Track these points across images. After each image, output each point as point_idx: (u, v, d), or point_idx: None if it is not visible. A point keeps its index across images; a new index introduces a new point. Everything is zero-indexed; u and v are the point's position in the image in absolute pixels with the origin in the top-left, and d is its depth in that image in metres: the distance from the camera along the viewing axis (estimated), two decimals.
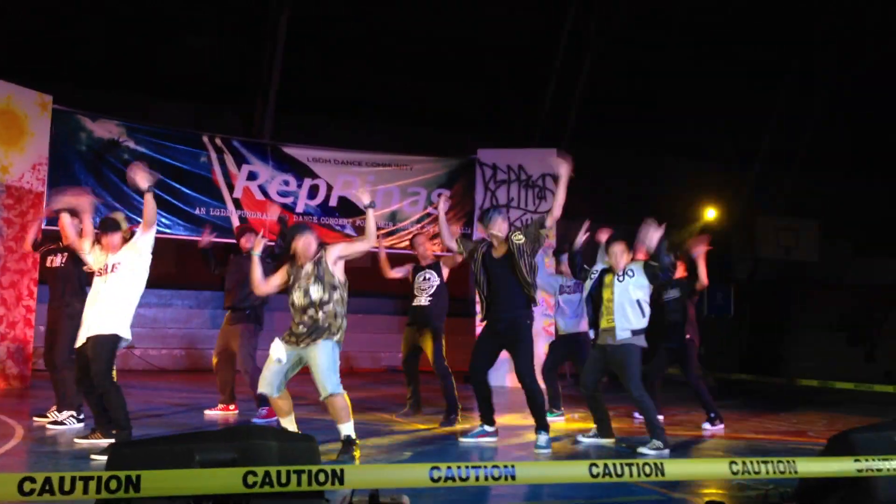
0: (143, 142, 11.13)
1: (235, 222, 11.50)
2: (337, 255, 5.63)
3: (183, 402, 8.61)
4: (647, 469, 3.56)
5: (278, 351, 5.49)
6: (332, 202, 12.22)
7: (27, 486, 2.69)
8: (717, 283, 15.35)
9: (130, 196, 10.58)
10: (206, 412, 7.56)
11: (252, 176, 11.83)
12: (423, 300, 7.79)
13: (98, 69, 12.69)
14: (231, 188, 11.67)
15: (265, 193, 11.85)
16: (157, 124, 11.57)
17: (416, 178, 12.60)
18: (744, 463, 3.70)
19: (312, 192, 12.14)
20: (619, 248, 6.34)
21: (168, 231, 10.95)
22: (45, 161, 9.92)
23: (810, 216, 16.75)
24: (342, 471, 3.18)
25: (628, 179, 16.07)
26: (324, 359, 5.46)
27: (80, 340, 5.64)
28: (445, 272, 7.92)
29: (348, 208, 12.31)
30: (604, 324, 6.27)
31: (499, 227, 6.21)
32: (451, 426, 7.25)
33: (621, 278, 6.25)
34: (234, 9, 13.29)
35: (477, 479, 3.36)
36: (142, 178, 5.48)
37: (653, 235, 6.10)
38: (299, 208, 12.04)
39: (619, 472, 3.54)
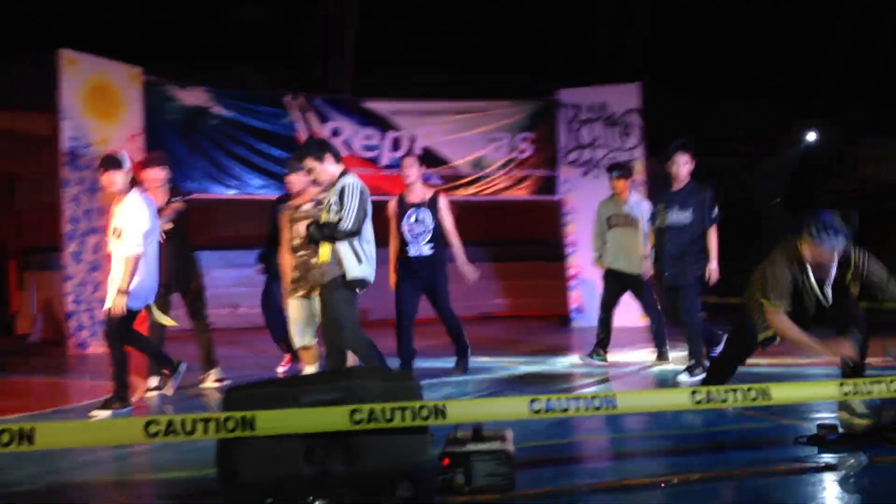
0: (230, 106, 11.38)
1: None
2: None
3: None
4: (753, 394, 3.51)
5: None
6: (416, 153, 12.27)
7: (152, 429, 2.86)
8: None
9: (221, 162, 10.91)
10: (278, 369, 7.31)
11: (336, 132, 11.98)
12: (422, 249, 6.77)
13: (179, 39, 12.96)
14: None
15: (350, 148, 12.00)
16: (242, 89, 11.81)
17: (499, 124, 12.50)
18: (854, 384, 3.61)
19: (396, 144, 12.21)
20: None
21: (262, 192, 11.21)
22: (140, 132, 10.28)
23: None
24: (444, 406, 3.27)
25: (702, 116, 15.54)
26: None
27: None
28: (447, 216, 6.86)
29: (432, 158, 12.35)
30: None
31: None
32: (465, 370, 6.92)
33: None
34: None
35: (577, 409, 3.39)
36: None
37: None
38: (384, 161, 12.15)
39: (722, 398, 3.51)
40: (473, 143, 12.49)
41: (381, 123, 12.22)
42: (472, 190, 12.01)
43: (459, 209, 8.06)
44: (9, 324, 11.32)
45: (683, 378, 6.19)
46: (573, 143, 12.18)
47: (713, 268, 6.42)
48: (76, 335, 9.43)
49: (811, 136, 15.02)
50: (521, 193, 12.42)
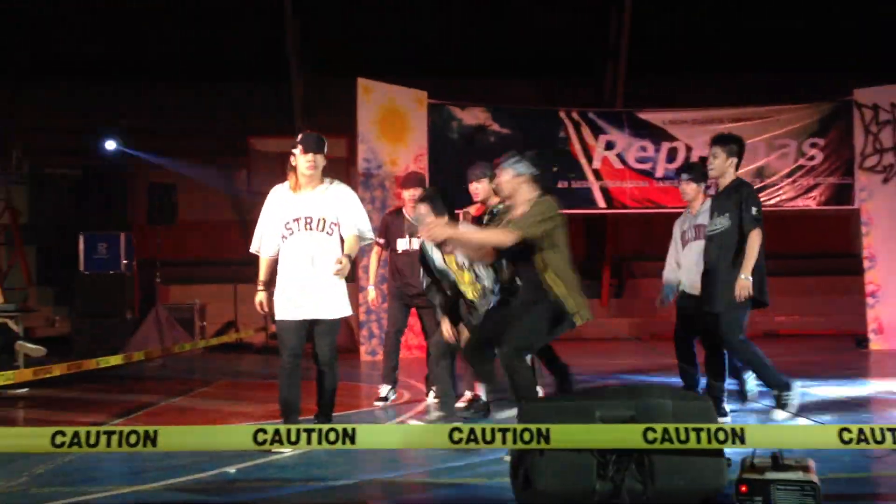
0: (506, 123, 11.78)
1: (597, 193, 11.74)
2: None
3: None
4: None
5: None
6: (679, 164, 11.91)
7: (456, 436, 3.03)
8: None
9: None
10: None
11: (609, 145, 11.94)
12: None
13: (458, 59, 13.63)
14: (590, 159, 11.89)
15: (623, 161, 11.90)
16: (517, 105, 12.18)
17: (784, 129, 11.75)
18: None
19: (671, 155, 11.90)
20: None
21: None
22: (424, 152, 10.97)
23: None
24: (742, 430, 3.14)
25: None
26: None
27: None
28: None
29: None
30: None
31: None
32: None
33: None
34: None
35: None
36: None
37: None
38: (658, 173, 11.90)
39: (879, 438, 3.08)
40: (755, 151, 11.84)
41: (656, 134, 12.00)
42: None
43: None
44: None
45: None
46: (871, 148, 11.14)
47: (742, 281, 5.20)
48: (368, 343, 10.26)
49: None
50: (809, 203, 11.59)
